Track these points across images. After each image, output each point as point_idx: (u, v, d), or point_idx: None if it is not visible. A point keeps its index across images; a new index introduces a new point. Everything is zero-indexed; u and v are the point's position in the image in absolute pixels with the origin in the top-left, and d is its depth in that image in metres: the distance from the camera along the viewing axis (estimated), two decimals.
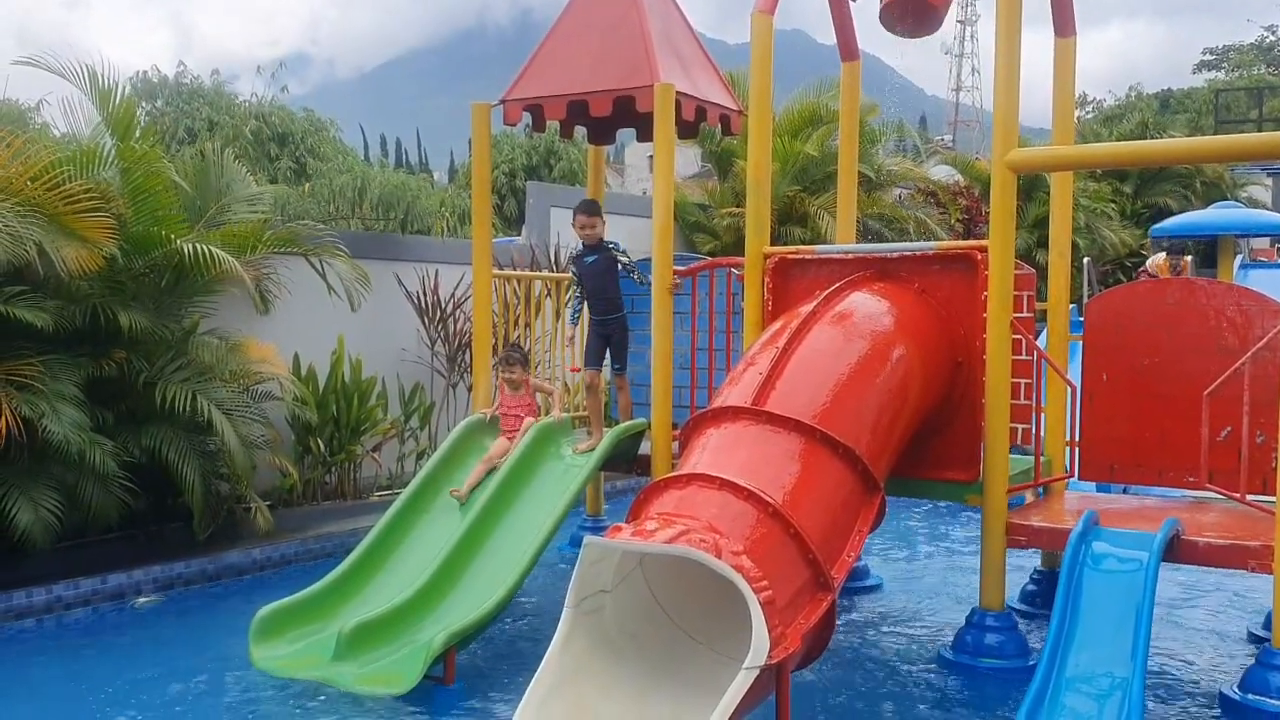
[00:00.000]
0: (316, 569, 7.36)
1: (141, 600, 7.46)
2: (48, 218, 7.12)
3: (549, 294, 9.72)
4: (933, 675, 6.18)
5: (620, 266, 7.41)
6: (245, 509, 8.50)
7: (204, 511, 7.99)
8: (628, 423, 7.85)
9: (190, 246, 7.92)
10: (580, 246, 7.56)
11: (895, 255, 6.42)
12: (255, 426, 8.32)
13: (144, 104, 29.81)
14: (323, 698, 5.65)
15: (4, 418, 6.73)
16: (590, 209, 7.50)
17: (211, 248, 8.01)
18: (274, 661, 5.92)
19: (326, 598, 6.37)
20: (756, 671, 4.18)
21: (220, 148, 9.92)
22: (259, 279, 9.13)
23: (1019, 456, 6.73)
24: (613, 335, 7.52)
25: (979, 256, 6.13)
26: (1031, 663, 5.93)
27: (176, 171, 8.84)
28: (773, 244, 7.07)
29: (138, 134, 8.43)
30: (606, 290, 7.44)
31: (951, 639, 6.35)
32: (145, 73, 32.81)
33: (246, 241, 8.83)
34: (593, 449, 7.21)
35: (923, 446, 6.07)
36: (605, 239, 7.44)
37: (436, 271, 11.13)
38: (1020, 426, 6.51)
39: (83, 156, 7.86)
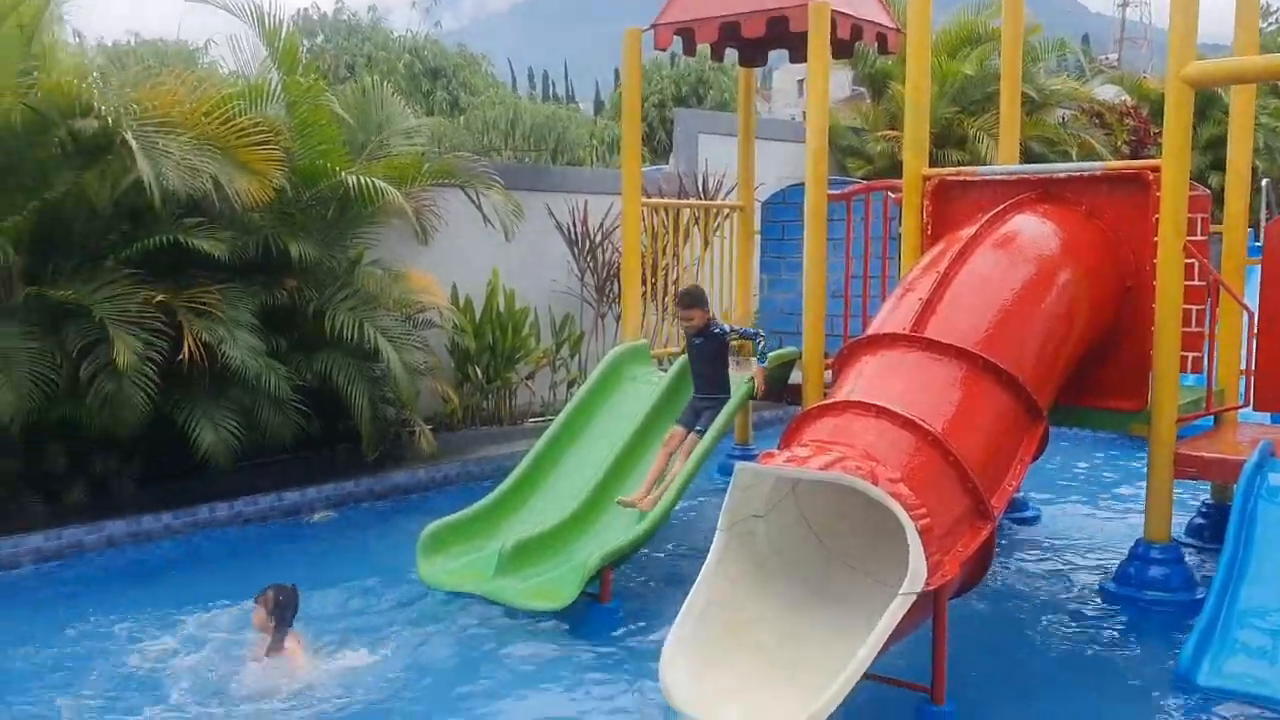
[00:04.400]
0: (476, 490, 7.62)
1: (318, 515, 7.87)
2: (221, 151, 7.43)
3: (697, 222, 9.71)
4: (1092, 607, 6.06)
5: (735, 345, 7.05)
6: (410, 432, 8.84)
7: (372, 434, 8.33)
8: (778, 351, 7.82)
9: (354, 179, 8.18)
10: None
11: (1062, 176, 6.18)
12: (418, 354, 8.63)
13: (305, 41, 30.64)
14: (486, 610, 5.88)
15: (187, 343, 7.14)
16: (685, 299, 6.94)
17: (375, 180, 8.25)
18: (439, 575, 6.18)
19: (488, 516, 6.60)
20: (913, 598, 4.16)
21: (379, 82, 10.13)
22: (419, 210, 9.36)
23: (1189, 385, 6.48)
24: (704, 410, 6.79)
25: (1151, 177, 5.86)
26: (1198, 596, 5.75)
27: (339, 105, 9.10)
28: (930, 167, 6.89)
29: (301, 69, 8.69)
30: (713, 375, 6.88)
31: (1113, 571, 6.20)
32: (306, 10, 33.68)
33: (407, 173, 9.06)
34: (635, 504, 6.38)
35: (1087, 374, 5.88)
36: (711, 322, 6.90)
37: (586, 202, 11.22)
38: (1191, 354, 6.25)
39: (251, 91, 8.18)
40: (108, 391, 7.00)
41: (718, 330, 6.87)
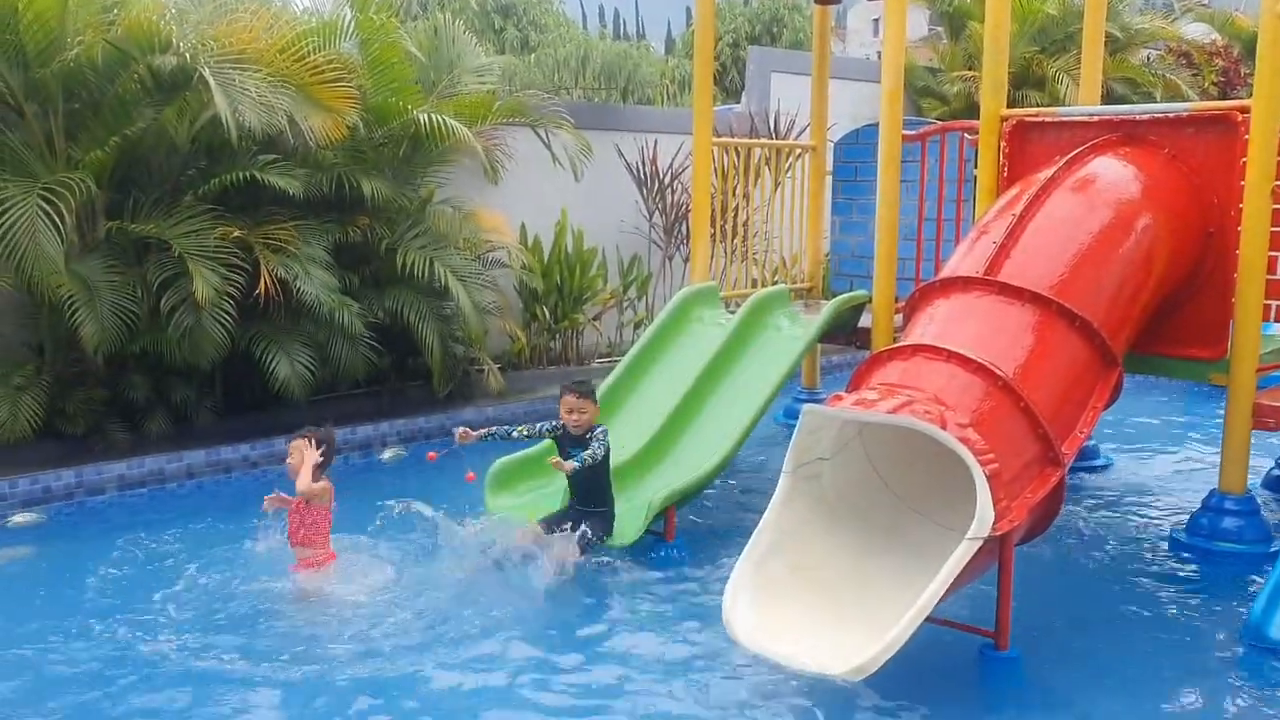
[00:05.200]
0: None
1: (387, 455, 8.02)
2: (295, 88, 7.49)
3: (768, 162, 9.61)
4: (1162, 557, 6.00)
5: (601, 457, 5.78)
6: (479, 370, 8.94)
7: (442, 371, 8.44)
8: (848, 294, 7.77)
9: (426, 116, 8.22)
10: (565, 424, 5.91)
11: (1144, 117, 6.00)
12: (487, 293, 8.71)
13: None
14: None
15: (263, 278, 7.27)
16: (586, 388, 5.93)
17: (446, 118, 8.28)
18: (506, 509, 6.27)
19: (554, 454, 6.66)
20: (979, 543, 4.15)
21: (450, 19, 10.12)
22: (489, 149, 9.39)
23: (1270, 334, 6.33)
24: (583, 524, 5.82)
25: (1239, 118, 5.67)
26: (1272, 550, 5.67)
27: (411, 42, 9.11)
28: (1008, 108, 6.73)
29: (374, 6, 8.70)
30: (594, 485, 5.89)
31: (1185, 522, 6.12)
32: None
33: (477, 112, 9.07)
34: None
35: (1164, 321, 5.76)
36: (596, 427, 5.89)
37: (655, 141, 11.15)
38: (1275, 303, 6.09)
39: (325, 29, 8.21)
40: (187, 324, 7.18)
41: (598, 441, 5.81)
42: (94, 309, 6.91)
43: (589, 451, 5.71)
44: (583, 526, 5.74)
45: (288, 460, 5.52)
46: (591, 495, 5.92)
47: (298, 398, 7.70)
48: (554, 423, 6.00)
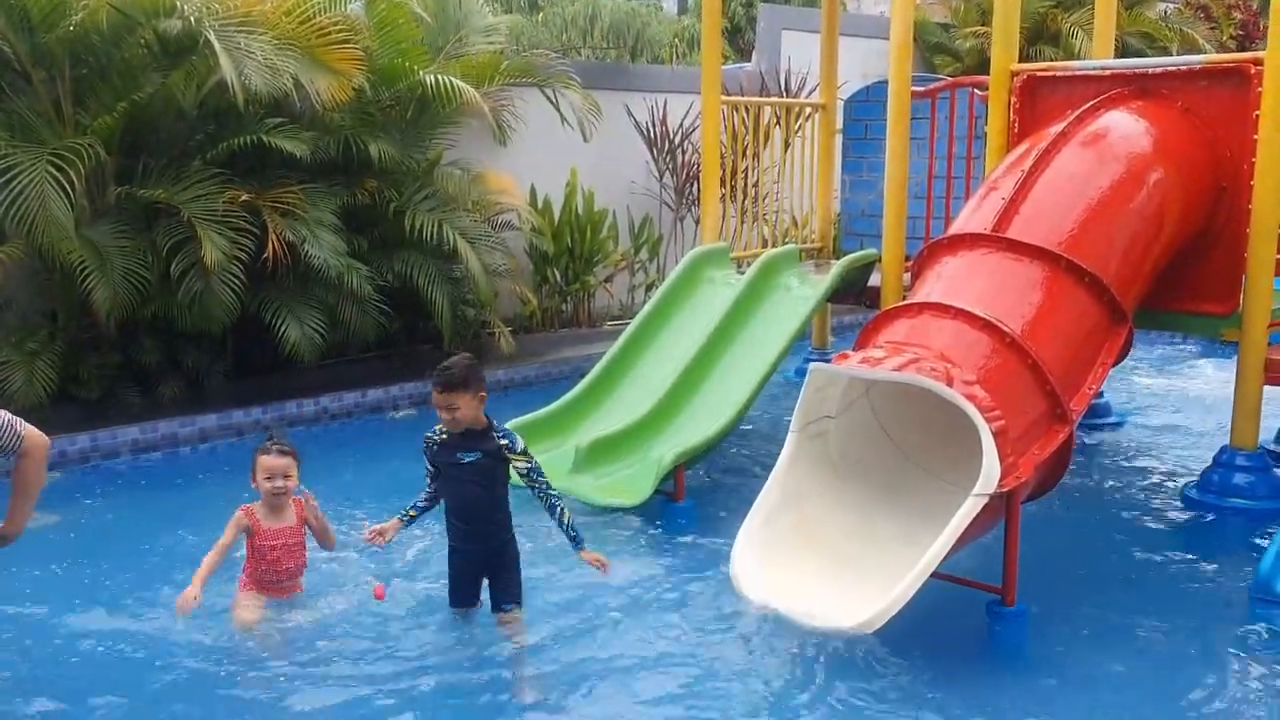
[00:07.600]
0: (554, 389, 7.70)
1: (401, 413, 8.06)
2: (301, 50, 7.45)
3: (778, 121, 9.53)
4: (1173, 513, 5.99)
5: (522, 475, 4.50)
6: (489, 333, 8.96)
7: (452, 334, 8.45)
8: (858, 253, 7.73)
9: (432, 78, 8.18)
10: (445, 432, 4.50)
11: (1157, 71, 5.93)
12: (497, 255, 8.70)
13: None
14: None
15: (271, 242, 7.28)
16: (446, 378, 4.32)
17: (452, 79, 8.24)
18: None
19: (565, 415, 6.72)
20: (985, 499, 4.15)
21: None
22: (496, 110, 9.34)
23: None
24: (495, 569, 4.57)
25: (1253, 71, 5.60)
26: None
27: (417, 3, 9.04)
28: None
29: None
30: (490, 505, 4.50)
31: (1196, 478, 6.11)
32: None
33: (485, 73, 9.02)
34: None
35: (1176, 277, 5.71)
36: (494, 426, 4.49)
37: (665, 101, 11.07)
38: None
39: None
40: (197, 289, 7.20)
41: (504, 437, 4.47)
42: (105, 274, 6.93)
43: (542, 481, 4.49)
44: (506, 605, 4.56)
45: (281, 481, 4.70)
46: (498, 517, 4.55)
47: (308, 361, 7.73)
48: (427, 449, 4.61)
